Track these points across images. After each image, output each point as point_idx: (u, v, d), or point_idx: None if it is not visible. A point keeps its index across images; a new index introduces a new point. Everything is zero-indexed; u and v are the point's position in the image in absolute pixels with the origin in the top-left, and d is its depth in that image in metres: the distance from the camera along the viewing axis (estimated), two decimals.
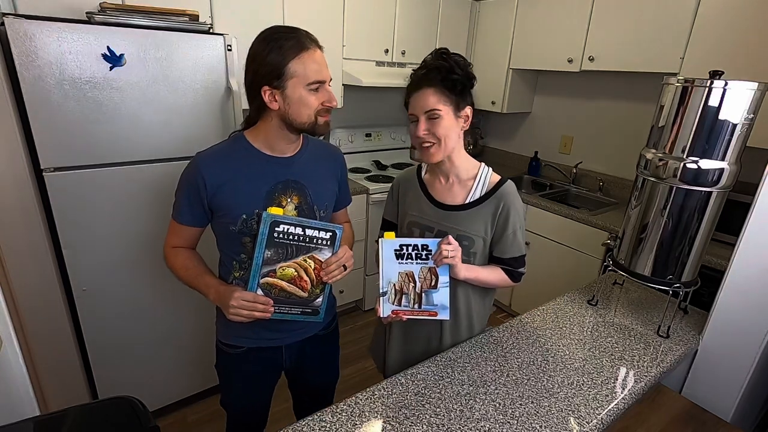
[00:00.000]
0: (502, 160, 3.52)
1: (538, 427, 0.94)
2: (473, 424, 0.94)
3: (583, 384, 1.08)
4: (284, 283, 1.03)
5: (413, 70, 1.12)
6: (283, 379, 1.31)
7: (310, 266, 1.05)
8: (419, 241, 1.08)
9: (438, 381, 1.07)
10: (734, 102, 1.10)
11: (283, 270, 1.02)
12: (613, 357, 1.19)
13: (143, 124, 1.58)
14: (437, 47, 1.12)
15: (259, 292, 1.01)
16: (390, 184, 1.38)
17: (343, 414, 0.96)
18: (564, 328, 1.31)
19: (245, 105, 1.76)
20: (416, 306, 1.09)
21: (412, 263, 1.08)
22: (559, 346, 1.23)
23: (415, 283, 1.08)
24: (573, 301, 1.47)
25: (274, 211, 0.99)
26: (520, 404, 1.00)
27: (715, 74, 1.13)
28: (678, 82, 1.18)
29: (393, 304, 1.09)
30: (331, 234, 1.05)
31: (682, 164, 1.18)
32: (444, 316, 1.10)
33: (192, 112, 1.67)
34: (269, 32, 1.00)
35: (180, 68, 1.60)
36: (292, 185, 1.09)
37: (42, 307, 1.59)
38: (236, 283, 1.08)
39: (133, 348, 1.79)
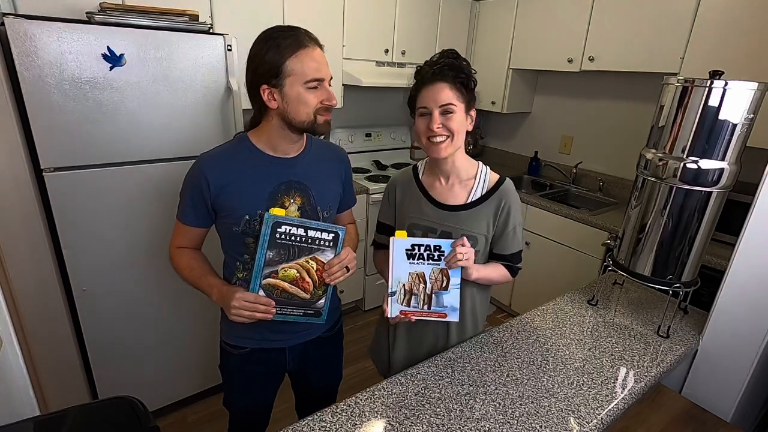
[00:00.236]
0: (502, 160, 3.52)
1: (538, 427, 0.94)
2: (473, 424, 0.94)
3: (583, 384, 1.08)
4: (286, 285, 1.03)
5: (420, 66, 1.10)
6: (285, 380, 1.31)
7: (313, 267, 1.05)
8: (432, 242, 1.07)
9: (438, 381, 1.07)
10: (734, 102, 1.10)
11: (286, 271, 1.02)
12: (613, 357, 1.19)
13: (143, 124, 1.58)
14: (437, 47, 1.13)
15: (261, 293, 1.01)
16: None
17: (343, 414, 0.96)
18: (564, 328, 1.31)
19: (245, 105, 1.77)
20: (425, 307, 1.08)
21: (423, 264, 1.07)
22: (559, 346, 1.23)
23: (425, 283, 1.07)
24: (573, 301, 1.47)
25: (276, 212, 0.99)
26: (520, 404, 1.00)
27: (715, 74, 1.13)
28: (678, 82, 1.18)
29: (402, 304, 1.08)
30: (333, 235, 1.05)
31: (682, 164, 1.18)
32: (453, 317, 1.09)
33: (192, 112, 1.67)
34: (269, 32, 1.00)
35: (180, 68, 1.60)
36: (295, 186, 1.08)
37: (42, 307, 1.59)
38: (240, 284, 1.08)
39: (133, 348, 1.79)
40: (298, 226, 1.01)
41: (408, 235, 1.20)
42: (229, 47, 1.68)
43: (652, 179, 1.26)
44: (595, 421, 0.97)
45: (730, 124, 1.12)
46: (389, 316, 1.08)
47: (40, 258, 1.55)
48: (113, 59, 1.46)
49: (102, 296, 1.66)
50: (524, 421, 0.96)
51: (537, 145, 3.22)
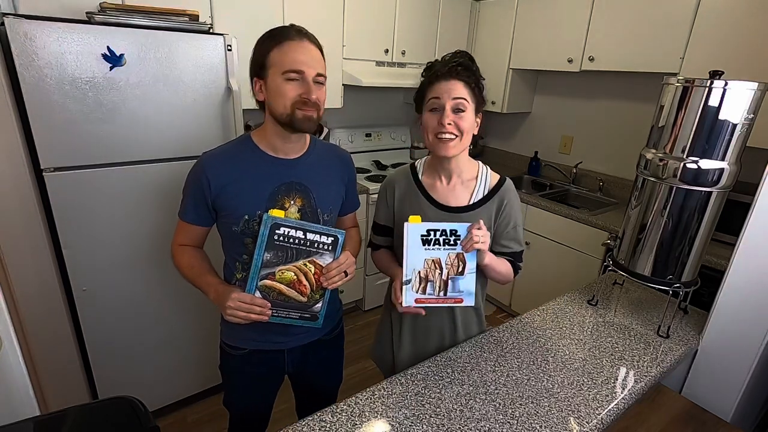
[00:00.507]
0: (502, 160, 3.52)
1: (538, 427, 0.94)
2: (473, 424, 0.94)
3: (583, 384, 1.08)
4: (283, 287, 1.02)
5: (431, 62, 1.09)
6: (286, 380, 1.31)
7: (310, 271, 1.03)
8: (448, 226, 1.03)
9: (438, 381, 1.07)
10: (734, 102, 1.10)
11: (283, 273, 1.01)
12: (613, 357, 1.19)
13: (143, 124, 1.58)
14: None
15: (258, 294, 1.00)
16: None
17: (343, 414, 0.96)
18: (564, 328, 1.31)
19: (245, 105, 1.78)
20: (441, 293, 1.06)
21: (439, 249, 1.04)
22: (559, 346, 1.22)
23: (441, 269, 1.05)
24: (573, 301, 1.47)
25: (276, 213, 0.99)
26: (520, 404, 1.00)
27: (715, 74, 1.13)
28: (678, 82, 1.18)
29: (417, 292, 1.05)
30: (333, 239, 1.04)
31: (682, 164, 1.18)
32: (469, 302, 1.07)
33: (192, 112, 1.67)
34: (269, 29, 1.02)
35: (180, 68, 1.60)
36: (296, 187, 1.08)
37: (42, 307, 1.59)
38: (239, 285, 1.08)
39: (133, 348, 1.79)
40: (297, 228, 1.00)
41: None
42: (229, 47, 1.68)
43: (652, 179, 1.26)
44: (595, 421, 0.97)
45: (730, 124, 1.12)
46: (404, 305, 1.05)
47: (40, 258, 1.55)
48: (113, 59, 1.46)
49: (102, 296, 1.66)
50: (524, 421, 0.96)
51: (537, 145, 3.22)
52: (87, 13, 1.48)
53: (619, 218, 2.29)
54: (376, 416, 0.96)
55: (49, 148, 1.44)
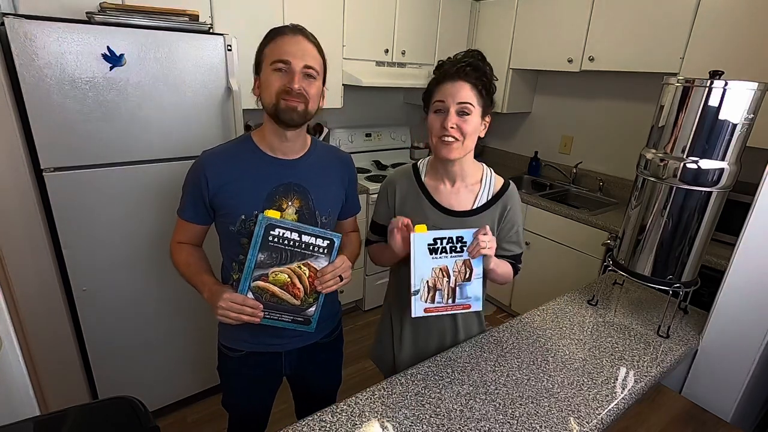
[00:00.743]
0: (502, 160, 3.52)
1: (538, 427, 0.94)
2: (473, 424, 0.94)
3: (583, 384, 1.08)
4: (276, 289, 1.00)
5: (441, 61, 1.07)
6: (285, 381, 1.31)
7: (305, 274, 1.02)
8: (454, 233, 1.03)
9: (438, 381, 1.07)
10: (734, 102, 1.10)
11: (276, 275, 1.00)
12: (613, 357, 1.19)
13: (143, 124, 1.58)
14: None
15: (250, 295, 0.99)
16: None
17: (343, 414, 0.96)
18: (564, 328, 1.31)
19: (245, 105, 1.78)
20: (450, 301, 1.06)
21: (446, 257, 1.04)
22: (559, 346, 1.22)
23: (449, 277, 1.04)
24: (573, 301, 1.47)
25: (271, 214, 0.98)
26: (520, 404, 1.00)
27: (715, 74, 1.13)
28: (678, 82, 1.18)
29: (426, 302, 1.05)
30: (328, 242, 1.02)
31: (682, 164, 1.18)
32: (477, 307, 1.07)
33: (192, 112, 1.67)
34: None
35: (180, 68, 1.60)
36: (294, 188, 1.07)
37: (42, 307, 1.59)
38: (235, 285, 1.07)
39: (133, 348, 1.79)
40: (292, 230, 0.99)
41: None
42: (229, 47, 1.68)
43: (652, 179, 1.26)
44: (595, 421, 0.97)
45: (730, 124, 1.12)
46: (413, 316, 1.05)
47: (40, 258, 1.55)
48: (113, 59, 1.46)
49: (102, 296, 1.66)
50: (524, 421, 0.96)
51: (537, 145, 3.22)
52: (87, 13, 1.48)
53: (619, 218, 2.29)
54: (376, 416, 0.96)
55: (49, 148, 1.44)
